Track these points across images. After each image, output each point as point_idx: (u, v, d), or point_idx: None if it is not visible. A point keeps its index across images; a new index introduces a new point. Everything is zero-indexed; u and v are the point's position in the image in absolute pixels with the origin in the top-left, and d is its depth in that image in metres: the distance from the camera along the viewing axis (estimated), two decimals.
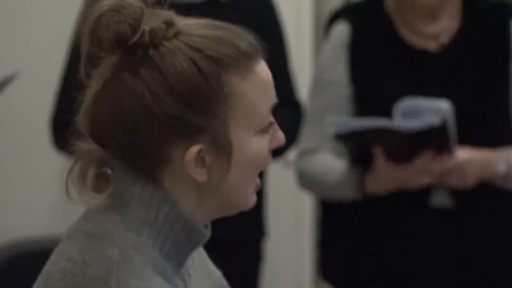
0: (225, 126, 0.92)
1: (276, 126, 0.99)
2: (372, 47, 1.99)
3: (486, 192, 1.89)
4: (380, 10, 1.99)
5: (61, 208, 2.77)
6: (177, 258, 0.99)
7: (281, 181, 2.99)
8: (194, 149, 0.91)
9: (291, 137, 2.07)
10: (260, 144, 0.96)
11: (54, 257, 0.96)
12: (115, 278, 0.91)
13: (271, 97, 0.96)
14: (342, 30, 1.98)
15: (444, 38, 1.94)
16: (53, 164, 2.55)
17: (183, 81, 0.90)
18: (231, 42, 0.92)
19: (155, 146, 0.93)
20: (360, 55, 1.98)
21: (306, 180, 2.02)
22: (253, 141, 0.95)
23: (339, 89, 1.96)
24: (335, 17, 2.07)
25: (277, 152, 2.10)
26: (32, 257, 2.46)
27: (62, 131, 2.06)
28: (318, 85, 2.03)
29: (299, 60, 2.92)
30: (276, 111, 0.98)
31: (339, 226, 2.04)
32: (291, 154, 2.42)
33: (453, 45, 1.94)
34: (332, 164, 1.95)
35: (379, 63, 1.98)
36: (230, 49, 0.92)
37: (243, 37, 0.94)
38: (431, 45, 1.94)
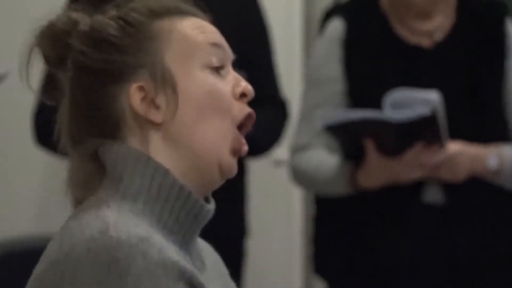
0: (158, 59, 0.95)
1: (237, 75, 1.01)
2: (367, 43, 2.01)
3: (478, 188, 1.90)
4: (375, 7, 2.01)
5: (44, 208, 2.80)
6: (178, 232, 0.99)
7: (271, 180, 3.02)
8: (133, 87, 0.94)
9: (274, 135, 2.11)
10: (209, 80, 0.97)
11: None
12: (113, 228, 0.91)
13: (211, 35, 0.98)
14: (336, 26, 2.00)
15: (438, 35, 1.95)
16: (36, 164, 2.64)
17: (104, 30, 0.95)
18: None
19: (105, 106, 0.97)
20: (354, 51, 1.99)
21: (299, 176, 2.04)
22: (198, 75, 0.96)
23: (332, 85, 1.97)
24: (330, 13, 2.09)
25: (260, 148, 2.11)
26: (15, 258, 2.35)
27: (44, 127, 2.11)
28: (311, 81, 2.05)
29: (289, 59, 2.96)
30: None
31: (333, 222, 2.05)
32: (280, 153, 2.51)
33: (447, 42, 1.96)
34: (324, 159, 1.97)
35: (373, 59, 1.99)
36: (154, 2, 1.00)
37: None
38: (425, 42, 1.96)
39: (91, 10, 1.01)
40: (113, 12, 0.99)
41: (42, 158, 2.41)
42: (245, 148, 1.01)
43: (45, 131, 2.23)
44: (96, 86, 0.98)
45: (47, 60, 1.01)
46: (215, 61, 0.98)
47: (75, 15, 0.99)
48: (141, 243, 0.90)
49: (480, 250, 1.93)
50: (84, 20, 0.98)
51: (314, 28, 2.83)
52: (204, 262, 1.04)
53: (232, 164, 1.00)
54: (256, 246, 2.56)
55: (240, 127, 1.00)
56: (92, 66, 0.97)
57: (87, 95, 0.99)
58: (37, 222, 2.72)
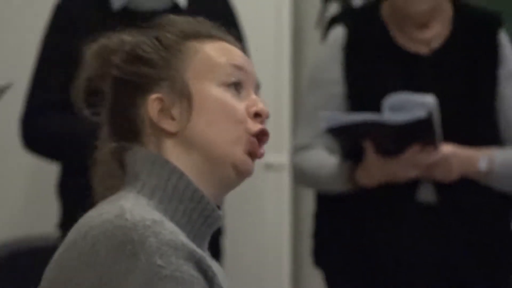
0: (180, 74, 1.04)
1: (256, 98, 1.08)
2: (367, 49, 2.11)
3: (469, 189, 2.00)
4: (376, 16, 2.12)
5: (26, 211, 2.82)
6: (190, 231, 1.04)
7: (262, 183, 3.01)
8: (152, 97, 1.03)
9: None
10: (224, 94, 1.05)
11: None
12: (129, 213, 0.98)
13: (234, 57, 1.06)
14: (338, 32, 2.10)
15: (435, 43, 2.06)
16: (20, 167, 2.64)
17: (140, 48, 1.05)
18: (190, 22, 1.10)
19: (134, 116, 1.06)
20: (355, 56, 2.10)
21: (300, 174, 2.16)
22: (215, 89, 1.05)
23: (333, 88, 2.07)
24: (333, 21, 2.22)
25: None
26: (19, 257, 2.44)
27: (33, 131, 2.13)
28: (313, 83, 2.15)
29: (278, 65, 2.96)
30: None
31: (332, 218, 2.14)
32: (272, 157, 2.56)
33: (443, 50, 2.07)
34: (325, 159, 2.07)
35: (372, 64, 2.09)
36: (189, 27, 1.09)
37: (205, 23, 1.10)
38: (423, 50, 2.06)
39: (136, 31, 1.12)
40: (153, 33, 1.10)
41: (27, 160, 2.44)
42: (262, 151, 1.07)
43: (34, 134, 2.24)
44: (125, 96, 1.07)
45: (93, 74, 1.11)
46: (233, 81, 1.07)
47: (124, 37, 1.09)
48: (154, 225, 0.97)
49: (470, 247, 2.02)
50: (129, 40, 1.08)
51: (302, 35, 3.04)
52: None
53: (247, 162, 1.06)
54: (246, 247, 2.71)
55: (256, 138, 1.10)
56: (124, 78, 1.07)
57: (117, 103, 1.08)
58: (15, 226, 2.69)
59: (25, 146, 2.25)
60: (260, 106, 1.08)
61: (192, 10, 2.23)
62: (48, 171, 2.46)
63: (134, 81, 1.08)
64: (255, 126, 1.06)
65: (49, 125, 2.21)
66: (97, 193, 1.12)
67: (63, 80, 2.03)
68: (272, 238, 3.07)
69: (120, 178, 1.10)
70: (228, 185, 1.10)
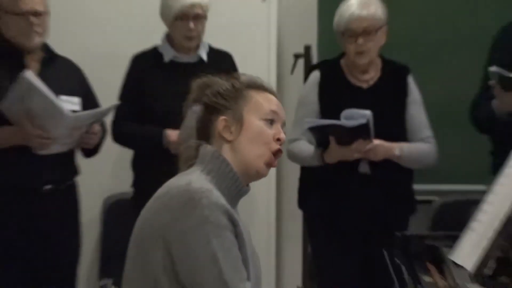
0: (240, 108, 1.40)
1: (281, 129, 1.44)
2: (332, 84, 2.72)
3: (389, 165, 2.62)
4: (338, 64, 2.74)
5: (116, 176, 3.37)
6: (228, 198, 1.36)
7: None
8: (221, 118, 1.39)
9: None
10: (262, 126, 1.41)
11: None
12: (193, 183, 1.32)
13: (272, 105, 1.44)
14: (316, 74, 2.75)
15: (371, 82, 2.70)
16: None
17: (221, 88, 1.43)
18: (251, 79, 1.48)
19: (210, 126, 1.43)
20: (325, 88, 2.71)
21: (292, 155, 2.74)
22: (257, 122, 1.41)
23: (312, 106, 2.71)
24: (312, 68, 2.88)
25: None
26: None
27: (115, 131, 2.89)
28: (300, 103, 2.76)
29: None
30: None
31: (309, 178, 2.77)
32: None
33: (376, 86, 2.69)
34: (306, 146, 2.68)
35: (334, 93, 2.70)
36: (251, 81, 1.47)
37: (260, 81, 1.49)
38: (364, 85, 2.69)
39: (219, 75, 1.50)
40: (231, 80, 1.47)
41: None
42: (275, 164, 1.43)
43: (115, 133, 2.88)
44: (207, 114, 1.44)
45: (194, 97, 1.48)
46: (269, 118, 1.42)
47: (215, 79, 1.47)
48: (207, 191, 1.30)
49: (388, 198, 2.63)
50: (216, 81, 1.46)
51: (283, 79, 3.54)
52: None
53: (265, 171, 1.43)
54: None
55: (274, 154, 1.42)
56: (209, 104, 1.44)
57: (203, 118, 1.45)
58: None
59: (112, 140, 2.92)
60: (282, 135, 1.43)
61: (211, 63, 2.84)
62: (129, 154, 3.01)
63: (214, 107, 1.43)
64: (275, 147, 1.42)
65: (123, 129, 2.90)
66: (180, 167, 1.47)
67: (133, 105, 2.84)
68: (262, 191, 3.44)
69: (193, 161, 1.43)
70: (251, 179, 1.45)
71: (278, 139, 1.41)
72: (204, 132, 1.45)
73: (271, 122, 1.42)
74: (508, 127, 2.47)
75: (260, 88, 1.47)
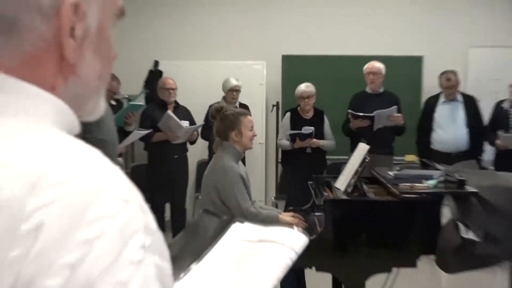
0: (239, 125, 3.67)
1: (253, 130, 3.72)
2: (294, 117, 6.20)
3: (317, 150, 6.12)
4: (296, 109, 6.24)
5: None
6: (236, 161, 3.62)
7: (258, 151, 7.23)
8: (232, 133, 3.63)
9: None
10: (250, 133, 3.69)
11: None
12: (224, 161, 3.55)
13: (251, 122, 3.71)
14: (288, 113, 6.30)
15: (310, 115, 6.21)
16: None
17: (227, 113, 3.64)
18: None
19: (227, 133, 3.62)
20: (292, 118, 6.19)
21: (279, 146, 6.39)
22: (247, 131, 3.69)
23: (287, 125, 6.22)
24: (287, 110, 6.43)
25: None
26: None
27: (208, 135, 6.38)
28: (282, 125, 6.38)
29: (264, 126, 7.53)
30: None
31: (286, 157, 6.44)
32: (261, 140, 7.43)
33: (313, 117, 6.20)
34: (285, 142, 6.16)
35: (295, 120, 6.16)
36: (241, 111, 4.19)
37: None
38: (307, 117, 6.23)
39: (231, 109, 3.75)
40: (230, 109, 3.68)
41: None
42: (252, 146, 3.75)
43: (209, 136, 5.77)
44: (221, 127, 3.64)
45: (212, 115, 3.70)
46: (251, 128, 3.57)
47: (224, 105, 3.76)
48: (232, 166, 3.54)
49: (316, 166, 6.24)
50: (225, 107, 3.68)
51: (268, 112, 7.60)
52: None
53: (251, 146, 3.70)
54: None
55: (251, 140, 3.66)
56: (222, 120, 3.63)
57: (219, 129, 3.65)
58: None
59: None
60: (254, 134, 3.65)
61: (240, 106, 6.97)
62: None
63: (224, 124, 3.59)
64: (253, 137, 3.69)
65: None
66: (214, 151, 3.69)
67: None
68: (258, 171, 7.44)
69: (219, 148, 3.65)
70: (246, 150, 3.72)
71: (253, 136, 3.47)
72: (224, 136, 3.54)
73: (251, 128, 3.43)
74: (356, 137, 5.97)
75: (246, 114, 3.51)
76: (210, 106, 5.30)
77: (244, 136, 3.67)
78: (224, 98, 6.49)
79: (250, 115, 3.76)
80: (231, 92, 6.50)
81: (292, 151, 6.21)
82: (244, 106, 6.62)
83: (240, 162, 3.80)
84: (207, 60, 7.34)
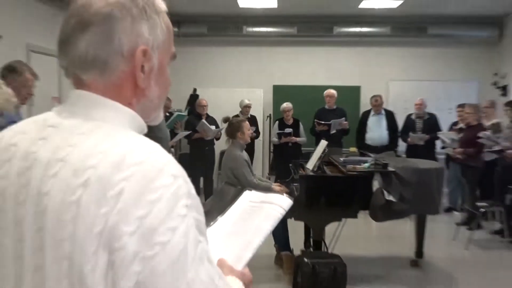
0: (241, 130, 4.95)
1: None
2: (280, 123, 7.76)
3: (297, 145, 7.77)
4: (282, 118, 7.85)
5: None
6: (241, 150, 4.66)
7: (257, 143, 8.43)
8: (239, 133, 4.78)
9: None
10: (248, 134, 5.05)
11: None
12: (232, 151, 4.53)
13: (249, 126, 4.76)
14: (277, 122, 7.70)
15: (291, 122, 7.93)
16: None
17: (233, 124, 4.82)
18: None
19: (235, 134, 4.73)
20: (279, 125, 7.79)
21: (272, 141, 7.79)
22: (247, 132, 5.04)
23: (276, 129, 7.77)
24: (277, 119, 8.09)
25: None
26: None
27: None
28: (273, 129, 7.79)
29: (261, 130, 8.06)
30: None
31: (275, 149, 7.93)
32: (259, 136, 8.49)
33: (292, 124, 7.86)
34: (275, 139, 7.63)
35: (282, 125, 7.76)
36: (242, 120, 4.86)
37: None
38: (289, 123, 7.88)
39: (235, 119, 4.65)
40: (235, 119, 4.53)
41: None
42: (249, 140, 4.42)
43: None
44: (231, 131, 4.58)
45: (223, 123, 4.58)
46: (249, 128, 4.45)
47: (232, 118, 4.51)
48: (240, 154, 4.38)
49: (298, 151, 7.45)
50: (232, 118, 4.55)
51: (264, 120, 8.94)
52: None
53: (248, 139, 4.47)
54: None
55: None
56: (230, 126, 4.54)
57: (229, 131, 4.50)
58: None
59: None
60: (250, 134, 4.40)
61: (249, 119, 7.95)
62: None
63: (232, 128, 4.41)
64: (249, 135, 4.44)
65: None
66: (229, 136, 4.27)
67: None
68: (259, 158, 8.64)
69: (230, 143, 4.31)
70: (246, 142, 4.45)
71: (251, 133, 4.10)
72: (232, 136, 4.18)
73: (249, 129, 4.02)
74: (319, 136, 7.12)
75: (244, 121, 3.99)
76: (232, 117, 5.49)
77: (245, 135, 4.33)
78: (241, 112, 7.40)
79: (246, 121, 4.37)
80: (246, 108, 7.53)
81: (279, 144, 7.29)
82: (253, 116, 7.59)
83: (244, 151, 4.30)
84: (226, 87, 8.83)
